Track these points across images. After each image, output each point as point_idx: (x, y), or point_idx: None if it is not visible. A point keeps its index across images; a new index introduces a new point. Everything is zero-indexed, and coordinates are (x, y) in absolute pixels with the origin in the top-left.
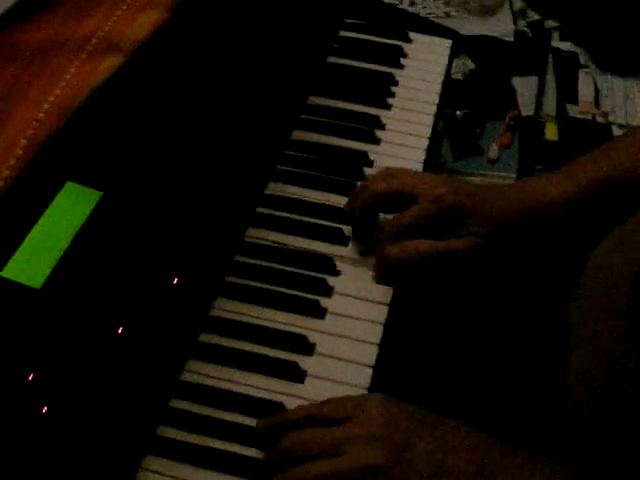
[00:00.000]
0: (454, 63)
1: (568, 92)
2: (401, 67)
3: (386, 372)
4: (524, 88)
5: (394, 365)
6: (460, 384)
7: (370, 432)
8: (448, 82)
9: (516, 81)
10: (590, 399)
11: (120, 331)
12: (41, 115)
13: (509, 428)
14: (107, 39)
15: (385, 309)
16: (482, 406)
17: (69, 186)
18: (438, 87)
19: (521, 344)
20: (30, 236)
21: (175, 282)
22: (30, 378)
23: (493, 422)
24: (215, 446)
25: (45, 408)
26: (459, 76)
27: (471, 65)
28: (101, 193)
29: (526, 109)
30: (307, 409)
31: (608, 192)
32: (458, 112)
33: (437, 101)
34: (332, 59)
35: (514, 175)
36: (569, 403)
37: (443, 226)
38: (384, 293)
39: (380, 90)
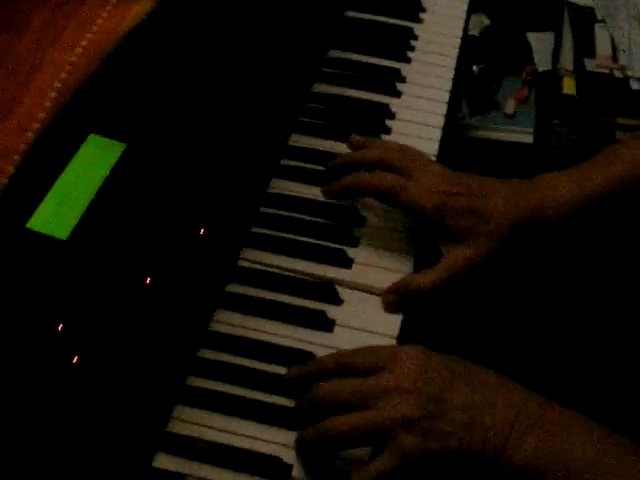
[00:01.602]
0: (470, 19)
1: (585, 47)
2: (420, 21)
3: (416, 322)
4: (540, 44)
5: (424, 315)
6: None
7: (404, 384)
8: (466, 37)
9: (532, 37)
10: None
11: (148, 281)
12: (74, 59)
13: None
14: None
15: (412, 260)
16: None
17: (92, 138)
18: (457, 41)
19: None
20: (55, 188)
21: (202, 233)
22: (60, 328)
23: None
24: (245, 395)
25: (76, 358)
26: (475, 32)
27: (486, 21)
28: (125, 145)
29: (542, 64)
30: (340, 357)
31: (627, 192)
32: (474, 67)
33: (457, 54)
34: (351, 13)
35: (531, 130)
36: None
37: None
38: (411, 245)
39: (400, 44)
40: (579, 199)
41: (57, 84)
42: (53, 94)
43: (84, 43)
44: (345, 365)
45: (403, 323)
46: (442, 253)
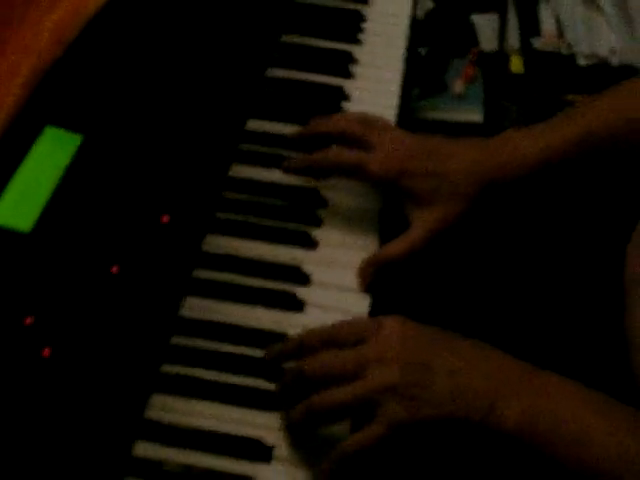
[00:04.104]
0: None
1: (530, 25)
2: (367, 3)
3: (386, 297)
4: (484, 25)
5: (393, 290)
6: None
7: (388, 354)
8: (414, 18)
9: (476, 18)
10: None
11: (115, 270)
12: (41, 42)
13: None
14: None
15: (377, 236)
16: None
17: (49, 130)
18: (407, 21)
19: (577, 301)
20: (14, 181)
21: (166, 220)
22: (28, 322)
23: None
24: (221, 379)
25: (47, 350)
26: (419, 16)
27: (430, 4)
28: (82, 135)
29: (488, 45)
30: (319, 333)
31: (586, 150)
32: (421, 50)
33: (407, 35)
34: None
35: (480, 109)
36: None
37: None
38: (374, 223)
39: (350, 26)
40: (539, 156)
41: (25, 69)
42: (21, 79)
43: (49, 27)
44: (325, 340)
45: (373, 299)
46: (409, 221)
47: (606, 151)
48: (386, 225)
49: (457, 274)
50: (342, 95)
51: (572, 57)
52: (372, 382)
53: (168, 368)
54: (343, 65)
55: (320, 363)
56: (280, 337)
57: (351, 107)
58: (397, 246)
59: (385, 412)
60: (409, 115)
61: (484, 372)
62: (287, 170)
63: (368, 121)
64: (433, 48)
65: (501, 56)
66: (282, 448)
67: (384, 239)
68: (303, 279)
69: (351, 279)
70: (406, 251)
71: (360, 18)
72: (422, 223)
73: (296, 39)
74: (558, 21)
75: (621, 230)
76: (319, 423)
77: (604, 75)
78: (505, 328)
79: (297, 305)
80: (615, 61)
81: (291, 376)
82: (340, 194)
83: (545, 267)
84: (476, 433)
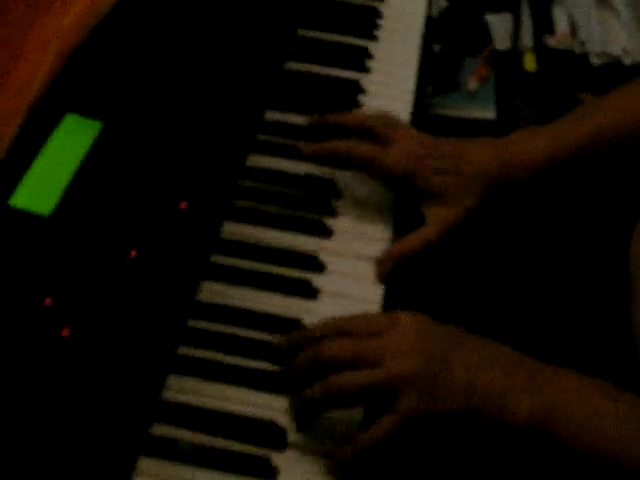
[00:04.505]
0: None
1: (544, 24)
2: (383, 0)
3: (398, 288)
4: (498, 24)
5: (406, 280)
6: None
7: (407, 346)
8: (429, 16)
9: (490, 18)
10: None
11: (133, 254)
12: (65, 25)
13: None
14: None
15: (391, 226)
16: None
17: (69, 117)
18: (422, 19)
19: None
20: (35, 166)
21: (184, 206)
22: (48, 303)
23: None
24: (236, 362)
25: (66, 331)
26: (433, 15)
27: (444, 3)
28: (101, 122)
29: (501, 44)
30: (337, 323)
31: (598, 147)
32: (435, 46)
33: (422, 32)
34: None
35: (493, 107)
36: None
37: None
38: (388, 213)
39: (366, 22)
40: (550, 154)
41: (52, 48)
42: (49, 59)
43: (73, 10)
44: (342, 331)
45: (387, 289)
46: (424, 216)
47: (615, 150)
48: (400, 216)
49: (465, 269)
50: (358, 88)
51: (585, 56)
52: (392, 370)
53: (185, 351)
54: (360, 60)
55: (339, 346)
56: (294, 323)
57: (367, 100)
58: (413, 240)
59: (403, 401)
60: (423, 111)
61: (497, 367)
62: (304, 152)
63: (385, 118)
64: (447, 46)
65: (515, 54)
66: (295, 431)
67: (398, 229)
68: (318, 267)
69: (365, 268)
70: (422, 245)
71: (376, 14)
72: (437, 219)
73: (314, 33)
74: (571, 20)
75: (625, 227)
76: (334, 404)
77: (617, 74)
78: (510, 325)
79: (312, 292)
80: (628, 61)
81: (306, 358)
82: (355, 185)
83: (550, 263)
84: (488, 427)
